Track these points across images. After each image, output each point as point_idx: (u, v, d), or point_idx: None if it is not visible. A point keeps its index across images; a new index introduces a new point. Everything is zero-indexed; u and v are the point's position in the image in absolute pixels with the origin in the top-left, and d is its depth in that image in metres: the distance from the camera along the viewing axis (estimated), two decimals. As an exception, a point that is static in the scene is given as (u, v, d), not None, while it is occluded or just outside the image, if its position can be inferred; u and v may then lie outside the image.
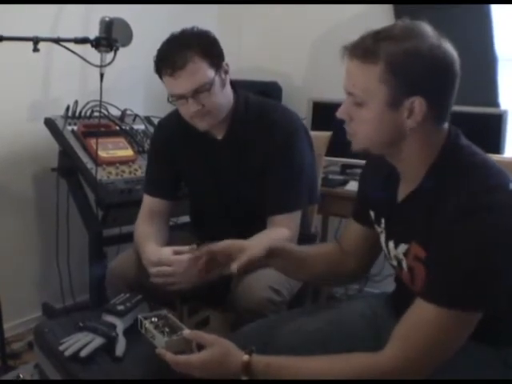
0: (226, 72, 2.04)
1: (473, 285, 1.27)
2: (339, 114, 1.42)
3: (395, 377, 1.31)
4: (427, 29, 1.34)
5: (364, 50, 1.33)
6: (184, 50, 1.91)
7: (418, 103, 1.32)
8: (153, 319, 1.58)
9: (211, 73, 1.95)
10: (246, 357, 1.38)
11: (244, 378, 1.38)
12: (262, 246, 1.64)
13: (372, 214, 1.64)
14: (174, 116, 2.17)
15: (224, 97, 2.03)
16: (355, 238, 1.74)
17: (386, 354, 1.32)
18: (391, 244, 1.54)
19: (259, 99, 2.17)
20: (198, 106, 1.96)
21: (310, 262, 1.74)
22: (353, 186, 3.02)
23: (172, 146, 2.18)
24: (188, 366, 1.40)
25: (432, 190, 1.37)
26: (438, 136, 1.40)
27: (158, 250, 1.94)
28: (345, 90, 1.40)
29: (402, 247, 1.47)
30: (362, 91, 1.36)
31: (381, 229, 1.60)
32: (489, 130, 2.92)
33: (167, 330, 1.54)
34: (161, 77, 1.98)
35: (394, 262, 1.54)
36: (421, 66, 1.30)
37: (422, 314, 1.31)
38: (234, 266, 1.57)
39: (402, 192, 1.49)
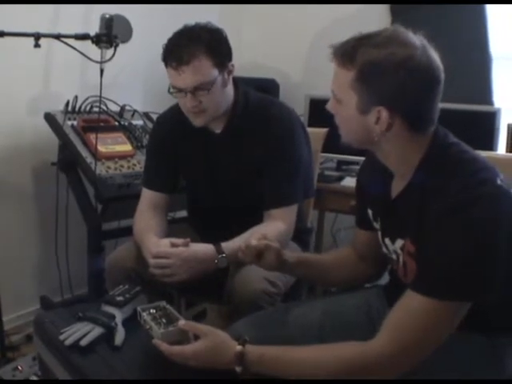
0: (230, 72, 2.05)
1: (462, 276, 1.29)
2: (327, 106, 1.48)
3: (384, 364, 1.34)
4: (411, 38, 1.35)
5: (343, 53, 1.37)
6: (192, 46, 1.92)
7: (383, 113, 1.35)
8: (151, 311, 1.61)
9: (214, 72, 1.96)
10: (239, 347, 1.41)
11: (237, 368, 1.41)
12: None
13: (370, 212, 1.67)
14: (173, 111, 2.19)
15: (223, 96, 2.04)
16: (364, 244, 1.78)
17: (376, 343, 1.35)
18: (387, 241, 1.57)
19: (258, 95, 2.19)
20: (196, 101, 1.97)
21: (330, 269, 1.80)
22: (348, 181, 3.06)
23: (171, 140, 2.20)
24: (182, 356, 1.44)
25: (422, 186, 1.40)
26: (419, 139, 1.42)
27: (157, 241, 1.97)
28: None
29: (399, 242, 1.50)
30: (337, 92, 1.42)
31: (378, 226, 1.63)
32: (482, 128, 2.94)
33: (164, 321, 1.58)
34: (166, 65, 1.99)
35: (394, 256, 1.56)
36: (389, 78, 1.32)
37: (411, 304, 1.34)
38: (255, 242, 1.66)
39: (395, 189, 1.53)
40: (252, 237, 1.70)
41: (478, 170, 1.35)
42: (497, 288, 1.32)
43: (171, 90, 2.01)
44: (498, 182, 1.33)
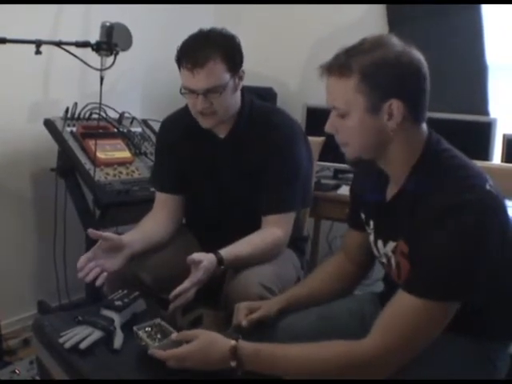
0: (241, 78, 2.09)
1: (451, 277, 1.34)
2: (326, 128, 1.52)
3: (375, 362, 1.38)
4: (393, 39, 1.43)
5: (339, 66, 1.43)
6: (208, 50, 1.95)
7: (395, 105, 1.40)
8: (146, 329, 1.65)
9: (227, 77, 2.01)
10: (233, 342, 1.45)
11: (232, 362, 1.44)
12: (276, 308, 1.75)
13: (362, 215, 1.71)
14: (179, 114, 2.24)
15: (232, 101, 2.08)
16: (355, 244, 1.82)
17: (368, 341, 1.39)
18: (380, 243, 1.61)
19: (262, 103, 2.23)
20: (206, 103, 2.01)
21: (322, 289, 1.83)
22: (345, 190, 3.07)
23: (175, 142, 2.23)
24: (177, 358, 1.47)
25: (414, 190, 1.45)
26: (419, 137, 1.48)
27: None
28: (328, 104, 1.50)
29: (391, 245, 1.54)
30: (342, 104, 1.45)
31: (370, 229, 1.67)
32: (478, 138, 2.98)
33: (159, 336, 1.63)
34: (179, 67, 2.02)
35: (384, 260, 1.60)
36: (391, 71, 1.39)
37: (402, 304, 1.38)
38: (245, 323, 1.68)
39: (390, 193, 1.57)
40: (238, 315, 1.72)
41: (468, 176, 1.41)
42: (485, 288, 1.38)
43: (183, 90, 2.04)
44: (487, 187, 1.39)
